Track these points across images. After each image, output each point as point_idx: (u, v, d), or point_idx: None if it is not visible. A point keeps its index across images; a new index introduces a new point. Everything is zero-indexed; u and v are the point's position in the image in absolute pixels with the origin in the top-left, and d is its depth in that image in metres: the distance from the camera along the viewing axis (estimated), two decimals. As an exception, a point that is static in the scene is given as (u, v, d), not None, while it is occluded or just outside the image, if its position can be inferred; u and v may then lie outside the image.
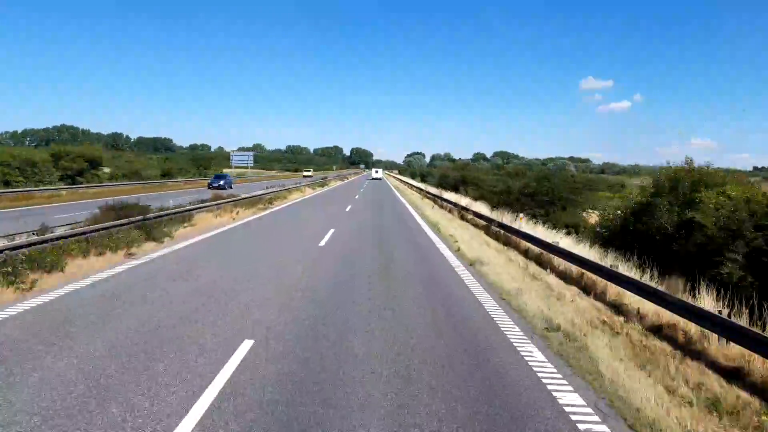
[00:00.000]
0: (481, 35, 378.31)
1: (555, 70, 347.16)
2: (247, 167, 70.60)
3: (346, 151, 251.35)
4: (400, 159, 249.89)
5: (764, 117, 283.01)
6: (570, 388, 5.27)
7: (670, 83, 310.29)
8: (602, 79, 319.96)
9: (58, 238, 10.52)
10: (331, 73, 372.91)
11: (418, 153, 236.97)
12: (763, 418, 4.96)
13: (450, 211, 28.70)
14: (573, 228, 24.75)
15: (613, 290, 9.78)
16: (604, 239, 18.10)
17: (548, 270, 12.21)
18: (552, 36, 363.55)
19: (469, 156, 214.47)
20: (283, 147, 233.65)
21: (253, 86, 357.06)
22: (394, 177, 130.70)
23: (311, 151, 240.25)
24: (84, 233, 11.53)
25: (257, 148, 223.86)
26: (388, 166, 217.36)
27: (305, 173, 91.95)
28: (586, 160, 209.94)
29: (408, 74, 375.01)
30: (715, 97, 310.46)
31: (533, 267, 12.74)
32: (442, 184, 53.78)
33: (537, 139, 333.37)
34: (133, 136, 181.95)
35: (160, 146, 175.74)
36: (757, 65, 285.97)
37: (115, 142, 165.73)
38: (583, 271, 11.04)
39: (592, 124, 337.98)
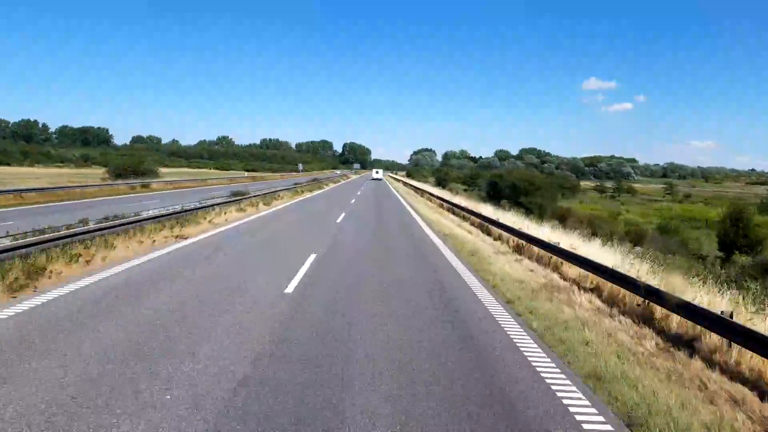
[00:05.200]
0: (478, 29, 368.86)
1: (559, 70, 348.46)
2: None
3: (338, 147, 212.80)
4: (401, 159, 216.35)
5: (765, 118, 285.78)
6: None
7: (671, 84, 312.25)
8: (604, 80, 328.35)
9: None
10: (324, 64, 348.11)
11: (427, 149, 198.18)
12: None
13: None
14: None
15: None
16: None
17: None
18: (558, 36, 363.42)
19: (490, 153, 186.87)
20: (258, 141, 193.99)
21: (222, 69, 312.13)
22: (399, 180, 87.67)
23: (293, 146, 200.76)
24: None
25: (222, 142, 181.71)
26: (389, 166, 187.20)
27: None
28: (633, 160, 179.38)
29: (408, 72, 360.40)
30: (716, 99, 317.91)
31: None
32: None
33: (543, 137, 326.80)
34: (54, 126, 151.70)
35: (93, 138, 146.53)
36: (759, 66, 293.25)
37: (28, 132, 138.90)
38: None
39: (597, 124, 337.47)
